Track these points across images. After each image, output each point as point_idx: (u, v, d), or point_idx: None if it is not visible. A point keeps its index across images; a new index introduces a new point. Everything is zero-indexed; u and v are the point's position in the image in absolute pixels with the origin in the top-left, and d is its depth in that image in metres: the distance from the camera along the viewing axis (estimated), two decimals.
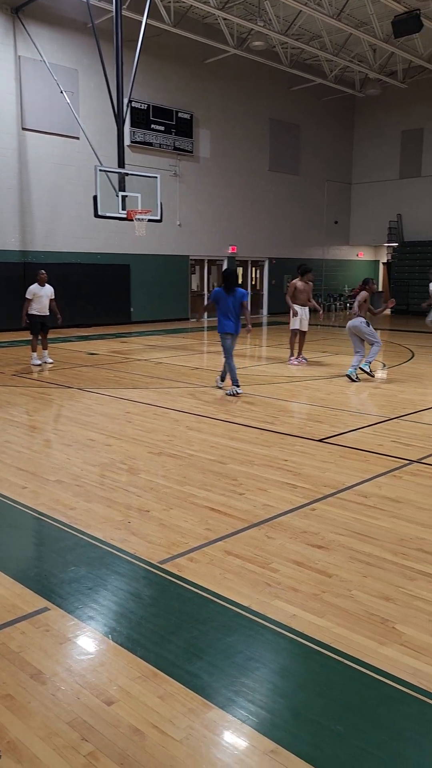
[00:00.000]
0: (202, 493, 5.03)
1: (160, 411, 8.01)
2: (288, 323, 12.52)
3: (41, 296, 11.32)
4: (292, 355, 12.20)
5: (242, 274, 24.30)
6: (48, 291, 11.39)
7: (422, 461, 5.88)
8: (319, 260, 26.75)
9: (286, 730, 2.44)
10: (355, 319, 10.31)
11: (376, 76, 22.78)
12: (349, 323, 10.41)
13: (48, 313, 11.46)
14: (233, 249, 23.13)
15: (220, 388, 9.53)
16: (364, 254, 29.50)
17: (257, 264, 24.85)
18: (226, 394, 9.07)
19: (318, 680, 2.75)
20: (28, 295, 11.30)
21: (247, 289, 23.13)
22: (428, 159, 25.35)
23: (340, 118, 26.97)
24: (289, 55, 21.67)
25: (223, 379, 9.64)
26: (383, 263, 30.01)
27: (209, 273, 23.00)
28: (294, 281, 11.85)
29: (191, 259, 22.01)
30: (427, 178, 25.38)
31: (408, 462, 5.87)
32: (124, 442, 6.52)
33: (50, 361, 11.77)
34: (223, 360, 9.41)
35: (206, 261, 22.72)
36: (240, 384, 9.17)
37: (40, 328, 11.46)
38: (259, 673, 2.79)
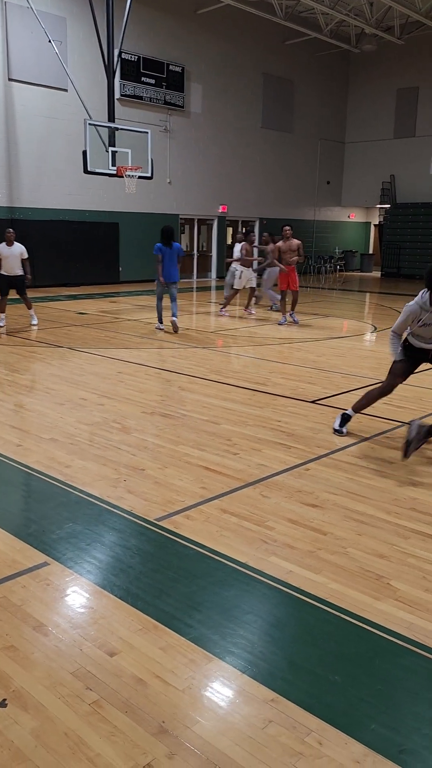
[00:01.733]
0: (196, 452, 5.07)
1: (152, 371, 8.00)
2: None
3: (8, 256, 10.69)
4: (224, 307, 13.57)
5: (232, 234, 24.02)
6: (17, 250, 10.75)
7: None
8: (310, 221, 26.50)
9: (285, 680, 2.51)
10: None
11: (372, 31, 22.22)
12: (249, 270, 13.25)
13: (20, 273, 10.86)
14: (224, 208, 22.82)
15: (173, 329, 10.94)
16: (355, 216, 29.24)
17: (248, 224, 24.55)
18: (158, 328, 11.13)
19: (314, 633, 2.82)
20: None
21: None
22: (423, 118, 24.95)
23: (335, 75, 26.40)
24: (284, 6, 21.04)
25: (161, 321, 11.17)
26: (375, 225, 29.79)
27: (199, 233, 22.73)
28: (243, 244, 13.18)
29: (181, 218, 21.70)
30: (421, 138, 25.02)
31: (400, 424, 5.92)
32: (117, 401, 6.52)
33: (35, 322, 11.31)
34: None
35: (196, 220, 22.42)
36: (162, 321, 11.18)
37: (8, 288, 10.89)
38: (257, 626, 2.86)
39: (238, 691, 2.45)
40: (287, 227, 12.16)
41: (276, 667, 2.59)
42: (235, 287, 13.37)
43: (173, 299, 10.87)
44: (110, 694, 2.41)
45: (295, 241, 12.04)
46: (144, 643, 2.71)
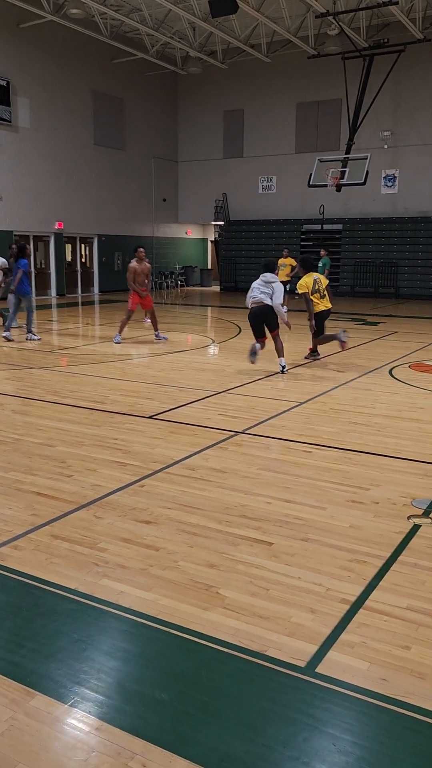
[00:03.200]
0: (28, 478, 4.87)
1: None
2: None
3: None
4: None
5: (71, 252, 23.61)
6: None
7: (246, 432, 6.15)
8: (149, 238, 26.74)
9: (112, 706, 2.46)
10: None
11: (196, 54, 23.00)
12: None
13: None
14: (60, 225, 22.38)
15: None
16: (192, 232, 29.95)
17: (86, 241, 24.27)
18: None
19: (145, 653, 2.80)
20: None
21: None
22: (249, 140, 26.16)
23: (164, 95, 26.94)
24: (109, 26, 21.17)
25: None
26: (211, 241, 30.70)
27: (36, 250, 22.09)
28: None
29: (15, 235, 20.96)
30: (249, 158, 26.21)
31: (233, 433, 6.10)
32: None
33: None
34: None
35: (32, 237, 21.77)
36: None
37: None
38: (86, 654, 2.78)
39: (62, 725, 2.36)
40: (141, 249, 11.86)
41: (104, 693, 2.53)
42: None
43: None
44: None
45: (147, 265, 11.88)
46: None
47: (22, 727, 2.34)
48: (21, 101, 20.47)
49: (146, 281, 11.91)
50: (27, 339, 12.01)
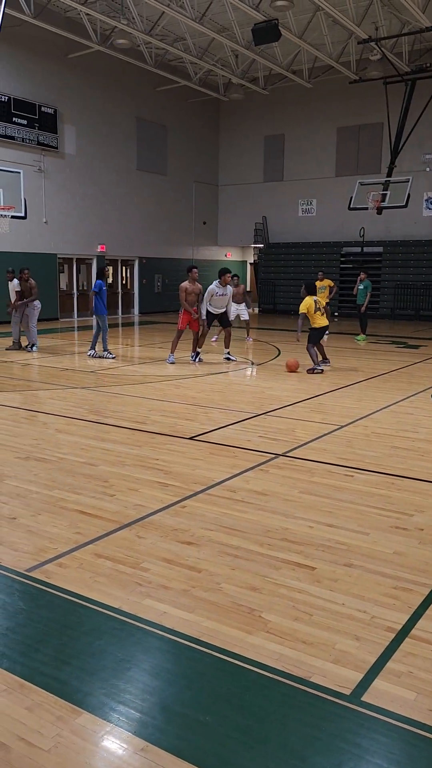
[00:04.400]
0: (71, 496, 4.94)
1: (27, 414, 7.76)
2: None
3: None
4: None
5: (112, 274, 24.05)
6: None
7: (287, 455, 6.13)
8: (189, 260, 27.04)
9: (156, 726, 2.46)
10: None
11: (238, 81, 23.37)
12: None
13: None
14: (102, 248, 22.84)
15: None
16: (232, 254, 30.19)
17: (127, 263, 24.70)
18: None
19: (187, 674, 2.80)
20: None
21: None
22: (290, 164, 26.39)
23: (206, 121, 27.41)
24: (153, 55, 21.71)
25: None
26: (250, 263, 30.89)
27: (78, 272, 22.57)
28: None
29: (59, 258, 21.47)
30: (289, 182, 26.41)
31: (274, 456, 6.09)
32: None
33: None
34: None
35: (75, 259, 22.26)
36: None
37: None
38: (130, 674, 2.79)
39: (108, 743, 2.38)
40: (195, 269, 12.00)
41: (148, 714, 2.54)
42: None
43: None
44: None
45: (199, 286, 12.02)
46: (8, 704, 2.57)
47: (68, 744, 2.36)
48: (68, 128, 21.08)
49: (196, 302, 11.99)
50: (91, 355, 12.87)
